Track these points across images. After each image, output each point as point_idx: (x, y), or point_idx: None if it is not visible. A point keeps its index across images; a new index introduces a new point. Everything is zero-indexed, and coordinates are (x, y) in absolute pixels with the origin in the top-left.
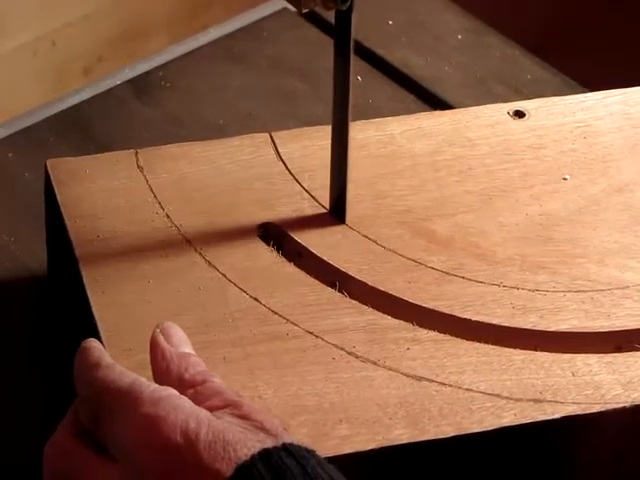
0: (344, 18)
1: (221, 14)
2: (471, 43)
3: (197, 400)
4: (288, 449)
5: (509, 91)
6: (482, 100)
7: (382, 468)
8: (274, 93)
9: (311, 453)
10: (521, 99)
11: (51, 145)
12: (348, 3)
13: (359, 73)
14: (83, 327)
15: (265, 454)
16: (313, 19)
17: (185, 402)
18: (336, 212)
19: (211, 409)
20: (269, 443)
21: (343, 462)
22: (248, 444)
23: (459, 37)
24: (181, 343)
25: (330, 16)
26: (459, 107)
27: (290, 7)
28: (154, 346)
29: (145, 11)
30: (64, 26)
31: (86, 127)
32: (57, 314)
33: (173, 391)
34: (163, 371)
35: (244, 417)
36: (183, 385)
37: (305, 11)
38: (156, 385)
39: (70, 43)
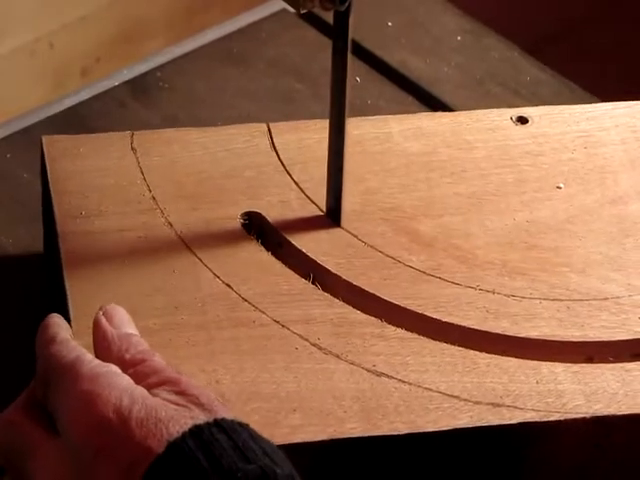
0: (342, 19)
1: (219, 15)
2: (470, 44)
3: (136, 379)
4: (220, 424)
5: (508, 92)
6: (481, 101)
7: (334, 460)
8: (272, 94)
9: (244, 427)
10: (519, 101)
11: None
12: (346, 4)
13: (357, 74)
14: (60, 302)
15: (196, 430)
16: (311, 20)
17: (122, 379)
18: (332, 215)
19: (149, 387)
20: (202, 419)
21: (294, 451)
22: (180, 421)
23: (458, 38)
24: (123, 324)
25: (329, 17)
26: (458, 108)
27: (289, 8)
28: (96, 327)
29: (143, 12)
30: (62, 27)
31: (84, 128)
32: (49, 290)
33: (113, 368)
34: (105, 352)
35: (180, 393)
36: (124, 365)
37: (303, 12)
38: (98, 361)
39: (68, 44)
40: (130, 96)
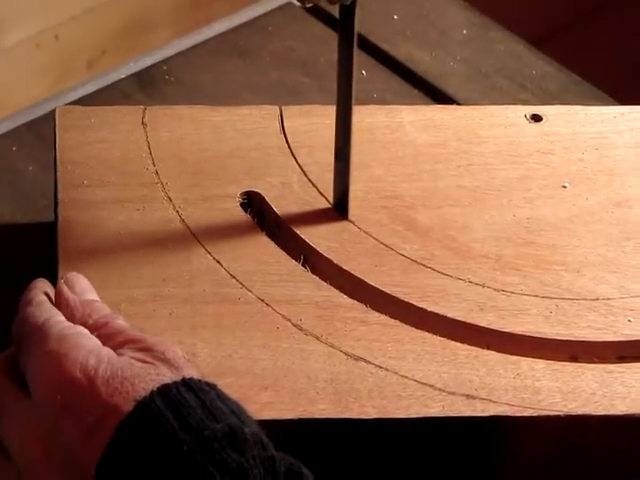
0: (348, 12)
1: (225, 7)
2: (476, 38)
3: (102, 341)
4: (188, 384)
5: (514, 86)
6: (487, 95)
7: (304, 440)
8: (279, 87)
9: (211, 387)
10: (526, 94)
11: None
12: None
13: (363, 68)
14: (55, 269)
15: (164, 389)
16: (318, 13)
17: (89, 340)
18: (339, 208)
19: (115, 347)
20: (169, 377)
21: (264, 428)
22: (146, 379)
23: (464, 32)
24: (84, 291)
25: (335, 10)
26: (463, 102)
27: (295, 1)
28: (59, 296)
29: (149, 4)
30: (67, 19)
31: None
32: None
33: (81, 329)
34: (69, 319)
35: (146, 349)
36: (88, 329)
37: (309, 5)
38: (67, 323)
39: (73, 36)
40: (136, 89)
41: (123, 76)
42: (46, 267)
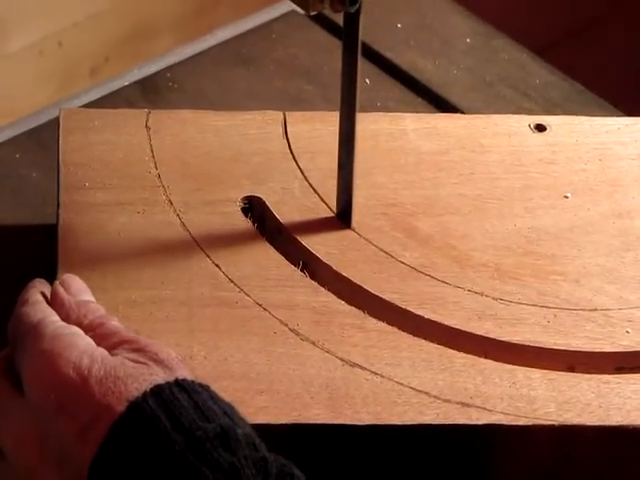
0: (352, 20)
1: (229, 15)
2: (479, 46)
3: (97, 341)
4: (180, 384)
5: (517, 95)
6: (490, 104)
7: (298, 445)
8: (282, 95)
9: (204, 388)
10: (529, 103)
11: None
12: (356, 6)
13: (367, 76)
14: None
15: (157, 389)
16: (321, 21)
17: (83, 340)
18: (343, 217)
19: (109, 347)
20: (162, 377)
21: (259, 432)
22: (139, 379)
23: (467, 40)
24: (80, 292)
25: (339, 18)
26: (467, 111)
27: (298, 9)
28: (54, 296)
29: (152, 11)
30: (70, 26)
31: None
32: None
33: (75, 329)
34: (64, 319)
35: (140, 350)
36: (83, 330)
37: (313, 13)
38: (62, 323)
39: (77, 43)
40: (140, 96)
41: (126, 83)
42: (47, 268)
